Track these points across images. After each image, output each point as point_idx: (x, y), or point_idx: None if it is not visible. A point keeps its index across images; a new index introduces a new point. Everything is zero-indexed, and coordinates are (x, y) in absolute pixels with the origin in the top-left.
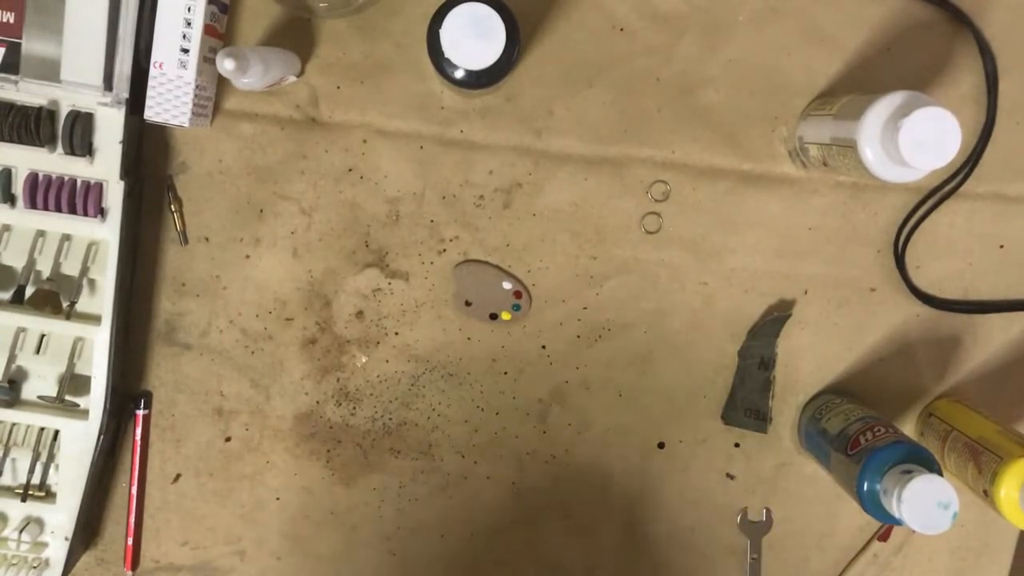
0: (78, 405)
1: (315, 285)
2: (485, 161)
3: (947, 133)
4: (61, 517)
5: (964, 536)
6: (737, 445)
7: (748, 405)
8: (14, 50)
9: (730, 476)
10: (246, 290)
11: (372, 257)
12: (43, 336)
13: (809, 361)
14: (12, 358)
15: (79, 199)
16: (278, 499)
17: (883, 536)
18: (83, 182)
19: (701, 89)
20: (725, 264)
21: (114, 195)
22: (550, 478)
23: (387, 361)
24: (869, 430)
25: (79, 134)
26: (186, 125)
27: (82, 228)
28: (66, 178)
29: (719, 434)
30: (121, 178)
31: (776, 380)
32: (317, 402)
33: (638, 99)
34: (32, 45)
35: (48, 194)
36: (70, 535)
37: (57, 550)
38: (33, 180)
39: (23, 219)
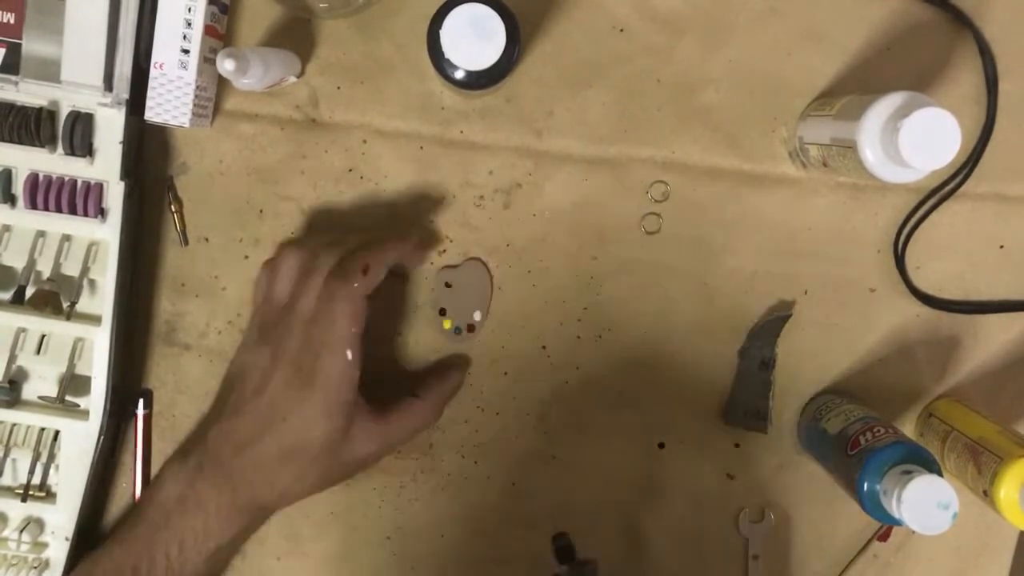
0: (78, 405)
1: None
2: (485, 161)
3: (947, 133)
4: (61, 517)
5: (964, 536)
6: (737, 445)
7: (748, 405)
8: (14, 50)
9: (730, 476)
10: (245, 291)
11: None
12: (43, 336)
13: (809, 361)
14: (12, 358)
15: (79, 199)
16: None
17: (883, 536)
18: (83, 182)
19: (701, 89)
20: (725, 264)
21: (114, 196)
22: (550, 478)
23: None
24: (869, 430)
25: (79, 135)
26: (186, 125)
27: (82, 228)
28: (66, 178)
29: (719, 434)
30: (121, 179)
31: (776, 380)
32: None
33: (638, 99)
34: (32, 45)
35: (48, 194)
36: (70, 535)
37: (57, 550)
38: (33, 180)
39: (23, 219)
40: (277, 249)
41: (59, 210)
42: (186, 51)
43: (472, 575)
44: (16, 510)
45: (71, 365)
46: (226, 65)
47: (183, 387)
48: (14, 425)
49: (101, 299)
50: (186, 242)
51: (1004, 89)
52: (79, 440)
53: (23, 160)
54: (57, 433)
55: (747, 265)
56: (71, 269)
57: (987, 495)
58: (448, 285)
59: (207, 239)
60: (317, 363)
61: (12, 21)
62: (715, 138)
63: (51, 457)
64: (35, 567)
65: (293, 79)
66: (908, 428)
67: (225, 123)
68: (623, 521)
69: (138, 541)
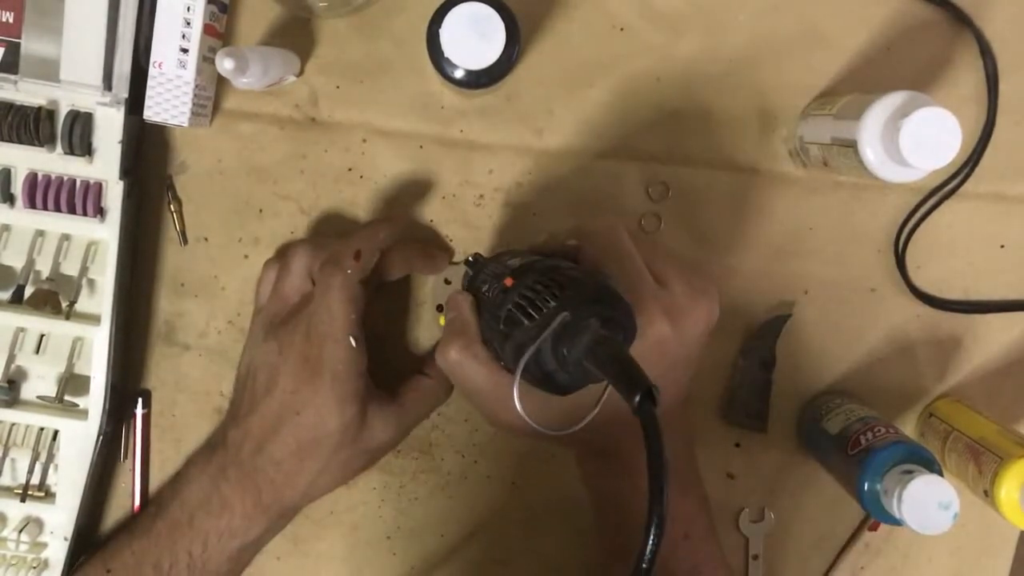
0: (77, 405)
1: None
2: (485, 160)
3: (947, 133)
4: (60, 517)
5: (964, 536)
6: (737, 445)
7: (748, 405)
8: (13, 50)
9: (730, 476)
10: (245, 290)
11: None
12: (42, 336)
13: (809, 361)
14: (11, 358)
15: (78, 199)
16: None
17: (873, 526)
18: (82, 182)
19: (701, 89)
20: (725, 264)
21: (113, 195)
22: (550, 478)
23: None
24: (869, 430)
25: (78, 134)
26: (185, 125)
27: (81, 228)
28: (65, 178)
29: (719, 434)
30: (120, 178)
31: (776, 380)
32: None
33: (638, 98)
34: (31, 45)
35: (47, 194)
36: (69, 535)
37: (56, 550)
38: (32, 180)
39: (22, 219)
40: (278, 250)
41: (58, 209)
42: (185, 50)
43: (472, 575)
44: (15, 510)
45: (70, 365)
46: (225, 64)
47: (183, 387)
48: (13, 425)
49: (100, 299)
50: (185, 241)
51: (1004, 89)
52: (78, 440)
53: (22, 159)
54: (56, 433)
55: (747, 265)
56: (70, 269)
57: (988, 495)
58: (447, 282)
59: (206, 239)
60: (322, 353)
61: (11, 20)
62: (715, 138)
63: (50, 457)
64: (34, 567)
65: (292, 78)
66: (908, 428)
67: (224, 122)
68: None
69: (160, 537)
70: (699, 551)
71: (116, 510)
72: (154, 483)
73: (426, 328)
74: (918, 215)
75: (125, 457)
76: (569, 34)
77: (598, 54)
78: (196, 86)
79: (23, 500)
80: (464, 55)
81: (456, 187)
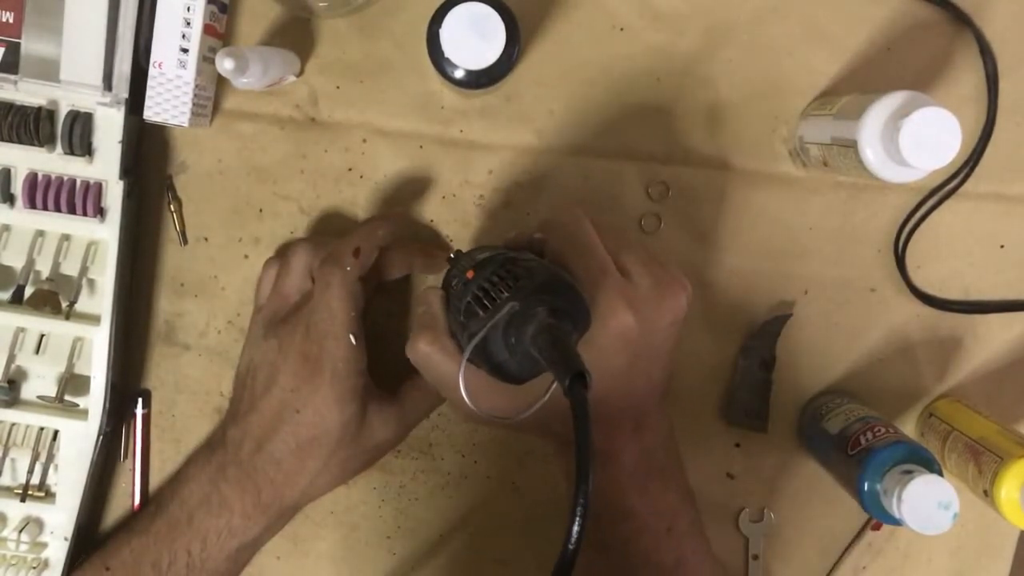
0: (77, 405)
1: None
2: (485, 160)
3: (947, 133)
4: (61, 517)
5: (964, 536)
6: (737, 445)
7: (748, 405)
8: (13, 50)
9: (730, 476)
10: (245, 290)
11: None
12: (42, 336)
13: (809, 361)
14: (11, 358)
15: (78, 199)
16: None
17: (876, 525)
18: (82, 182)
19: (701, 89)
20: (725, 264)
21: (113, 195)
22: (550, 478)
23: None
24: (869, 430)
25: (78, 134)
26: (185, 125)
27: (81, 228)
28: (65, 178)
29: (719, 434)
30: (120, 178)
31: (776, 380)
32: None
33: (638, 99)
34: (31, 45)
35: (47, 194)
36: (69, 535)
37: (56, 550)
38: (32, 180)
39: (22, 219)
40: (278, 249)
41: (58, 210)
42: (185, 50)
43: (472, 575)
44: (15, 510)
45: (70, 365)
46: (225, 64)
47: (183, 387)
48: (13, 425)
49: (100, 299)
50: (185, 241)
51: (1004, 89)
52: (78, 440)
53: (22, 159)
54: (56, 433)
55: (747, 265)
56: (70, 269)
57: (988, 495)
58: None
59: (206, 239)
60: (322, 351)
61: (11, 20)
62: (715, 138)
63: (50, 457)
64: (34, 567)
65: (292, 78)
66: (909, 428)
67: (224, 122)
68: None
69: (159, 536)
70: (683, 544)
71: (116, 510)
72: (154, 483)
73: None
74: (918, 215)
75: (125, 457)
76: (569, 34)
77: (598, 54)
78: (196, 86)
79: (23, 500)
80: (464, 55)
81: (456, 187)
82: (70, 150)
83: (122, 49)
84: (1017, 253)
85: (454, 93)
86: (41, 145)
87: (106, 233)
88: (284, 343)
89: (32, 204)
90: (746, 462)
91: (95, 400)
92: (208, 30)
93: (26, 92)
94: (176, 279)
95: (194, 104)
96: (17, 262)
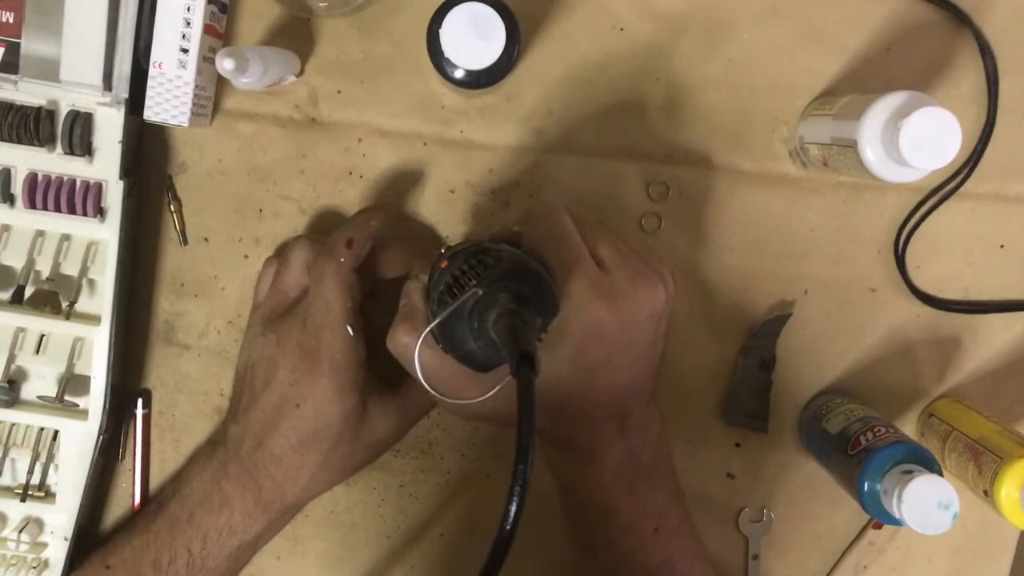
0: (77, 405)
1: None
2: (485, 160)
3: (947, 133)
4: (61, 517)
5: (964, 536)
6: (737, 445)
7: (748, 405)
8: (13, 50)
9: (730, 476)
10: (245, 290)
11: None
12: (42, 336)
13: (809, 361)
14: (12, 358)
15: (78, 199)
16: None
17: (877, 524)
18: (82, 182)
19: (701, 89)
20: (725, 264)
21: (113, 195)
22: (550, 478)
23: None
24: (869, 430)
25: (78, 134)
26: (185, 125)
27: (81, 228)
28: (65, 178)
29: (719, 434)
30: (120, 178)
31: (776, 380)
32: None
33: (638, 99)
34: (31, 45)
35: (47, 194)
36: (69, 535)
37: (56, 550)
38: (32, 180)
39: (22, 219)
40: (277, 248)
41: (58, 210)
42: (185, 50)
43: (472, 575)
44: (15, 510)
45: (70, 365)
46: (225, 64)
47: (183, 387)
48: (13, 425)
49: (100, 299)
50: (185, 242)
51: (1004, 89)
52: (78, 440)
53: (22, 159)
54: (56, 433)
55: (747, 264)
56: (70, 269)
57: (988, 495)
58: None
59: (206, 239)
60: (320, 343)
61: (11, 20)
62: (715, 138)
63: (50, 457)
64: (34, 567)
65: (292, 78)
66: (908, 428)
67: (224, 122)
68: None
69: (160, 534)
70: (671, 545)
71: (116, 510)
72: (154, 483)
73: None
74: (918, 215)
75: (124, 457)
76: (569, 34)
77: (598, 53)
78: (196, 86)
79: (23, 500)
80: (464, 55)
81: (456, 187)
82: (70, 150)
83: (122, 49)
84: (1017, 253)
85: (454, 93)
86: (41, 145)
87: (106, 233)
88: (282, 338)
89: (32, 204)
90: (746, 462)
91: (95, 400)
92: (208, 30)
93: (26, 92)
94: (176, 279)
95: (194, 104)
96: (17, 262)
